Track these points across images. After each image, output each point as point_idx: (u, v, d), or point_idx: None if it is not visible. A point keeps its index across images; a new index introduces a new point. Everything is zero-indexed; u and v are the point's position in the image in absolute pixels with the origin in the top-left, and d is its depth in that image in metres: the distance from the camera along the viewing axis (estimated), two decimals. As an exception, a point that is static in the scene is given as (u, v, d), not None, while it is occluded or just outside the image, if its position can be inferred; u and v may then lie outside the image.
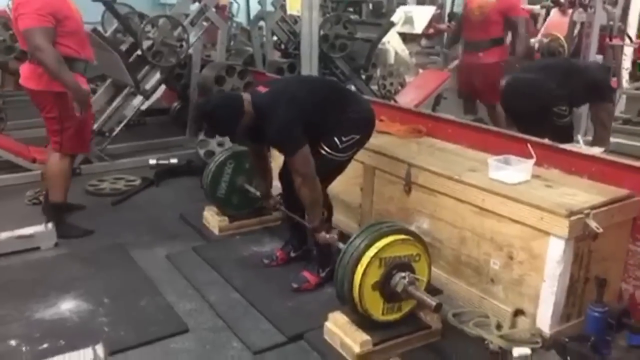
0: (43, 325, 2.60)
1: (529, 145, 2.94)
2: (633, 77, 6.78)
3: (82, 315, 2.70)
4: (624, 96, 6.15)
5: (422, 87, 5.80)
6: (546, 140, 3.06)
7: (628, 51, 6.13)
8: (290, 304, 2.79)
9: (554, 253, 2.39)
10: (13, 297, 2.84)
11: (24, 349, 2.43)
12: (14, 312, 2.70)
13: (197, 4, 5.19)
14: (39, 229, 3.41)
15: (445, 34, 8.26)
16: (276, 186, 3.22)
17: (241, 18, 9.32)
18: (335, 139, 2.75)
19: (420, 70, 6.88)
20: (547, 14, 7.48)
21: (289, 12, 7.15)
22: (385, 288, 2.34)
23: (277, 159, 3.05)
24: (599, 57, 5.11)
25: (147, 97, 5.12)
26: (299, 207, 2.85)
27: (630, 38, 6.00)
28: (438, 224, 2.93)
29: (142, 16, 5.70)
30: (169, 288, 2.98)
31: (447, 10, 10.52)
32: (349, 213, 3.53)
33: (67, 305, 2.77)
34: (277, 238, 3.48)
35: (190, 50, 5.15)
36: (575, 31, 5.87)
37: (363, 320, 2.39)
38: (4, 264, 3.22)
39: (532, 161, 2.79)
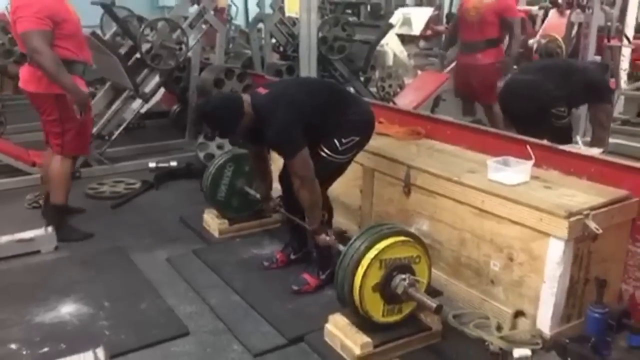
0: (43, 329, 2.61)
1: (527, 146, 2.95)
2: (631, 78, 6.78)
3: (83, 319, 2.70)
4: (623, 97, 6.16)
5: (421, 88, 5.80)
6: (545, 142, 3.06)
7: (626, 52, 6.13)
8: (291, 306, 2.80)
9: (554, 254, 2.39)
10: (13, 300, 2.84)
11: (24, 352, 2.43)
12: (14, 315, 2.70)
13: (195, 6, 5.20)
14: (39, 233, 3.41)
15: (443, 36, 8.28)
16: (276, 188, 3.22)
17: (240, 21, 9.34)
18: (335, 141, 2.75)
19: (419, 72, 6.89)
20: (545, 15, 7.49)
21: (287, 14, 7.17)
22: (385, 290, 2.34)
23: (277, 162, 3.05)
24: (597, 58, 5.12)
25: (146, 100, 5.13)
26: (298, 210, 2.85)
27: (628, 39, 6.01)
28: (438, 225, 2.93)
29: (140, 19, 5.72)
30: (170, 291, 2.98)
31: (445, 11, 10.55)
32: (349, 215, 3.53)
33: (68, 309, 2.77)
34: (277, 240, 3.48)
35: (189, 53, 5.16)
36: (573, 32, 5.88)
37: (363, 322, 2.39)
38: (4, 267, 3.22)
39: (531, 162, 2.79)
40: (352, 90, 5.55)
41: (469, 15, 5.02)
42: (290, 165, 2.70)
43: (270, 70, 5.89)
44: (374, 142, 3.10)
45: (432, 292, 2.67)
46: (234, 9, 8.87)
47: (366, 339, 2.34)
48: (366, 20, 8.77)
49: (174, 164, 4.87)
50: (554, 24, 6.92)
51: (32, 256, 3.34)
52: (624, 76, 6.11)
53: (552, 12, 7.23)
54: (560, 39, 6.27)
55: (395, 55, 6.66)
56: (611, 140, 4.66)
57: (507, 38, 5.18)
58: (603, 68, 4.83)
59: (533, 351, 2.36)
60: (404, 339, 2.43)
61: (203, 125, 5.06)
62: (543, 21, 7.46)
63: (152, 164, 4.84)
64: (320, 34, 5.40)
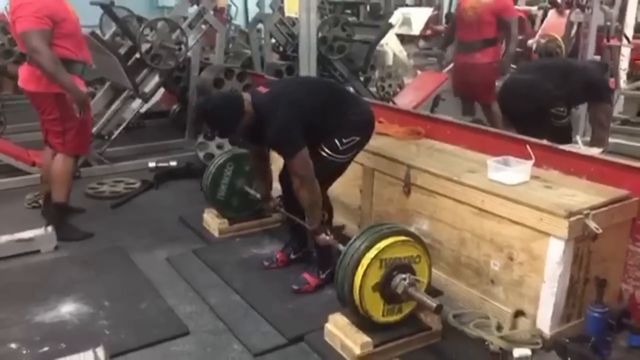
0: (43, 329, 2.60)
1: (527, 146, 2.95)
2: (631, 77, 6.79)
3: (83, 318, 2.69)
4: (622, 96, 6.16)
5: (421, 88, 5.81)
6: (545, 141, 3.06)
7: (625, 51, 6.14)
8: (291, 306, 2.80)
9: (554, 254, 2.40)
10: (13, 300, 2.83)
11: (24, 352, 2.43)
12: (14, 315, 2.70)
13: (195, 6, 5.20)
14: (39, 233, 3.41)
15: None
16: (276, 188, 3.22)
17: (239, 21, 9.34)
18: (336, 141, 2.75)
19: (419, 72, 6.89)
20: (545, 15, 7.50)
21: (287, 14, 7.18)
22: (385, 289, 2.34)
23: (277, 161, 3.05)
24: (597, 58, 5.13)
25: (146, 100, 5.13)
26: (298, 209, 2.85)
27: (627, 38, 6.02)
28: (438, 225, 2.94)
29: (140, 19, 5.72)
30: (169, 291, 2.98)
31: (445, 11, 10.56)
32: (349, 215, 3.53)
33: (68, 308, 2.77)
34: (277, 240, 3.48)
35: (189, 53, 5.16)
36: (573, 32, 5.90)
37: (363, 322, 2.39)
38: (4, 267, 3.22)
39: (531, 162, 2.79)
40: (351, 90, 5.55)
41: (466, 15, 5.03)
42: (289, 165, 2.70)
43: (269, 70, 5.89)
44: (374, 142, 3.10)
45: (432, 291, 2.67)
46: (233, 9, 8.88)
47: (366, 338, 2.34)
48: (366, 20, 8.79)
49: (173, 163, 4.87)
50: (554, 24, 6.94)
51: (32, 256, 3.34)
52: (623, 76, 6.11)
53: (552, 12, 7.25)
54: (559, 39, 6.29)
55: (394, 55, 6.67)
56: (611, 139, 4.67)
57: (504, 37, 5.20)
58: (602, 67, 4.84)
59: (533, 351, 2.36)
60: (404, 338, 2.43)
61: (203, 124, 5.04)
62: (542, 21, 7.47)
63: (151, 164, 4.84)
64: (319, 34, 5.41)
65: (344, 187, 3.36)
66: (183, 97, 5.80)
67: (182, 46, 4.88)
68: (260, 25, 6.65)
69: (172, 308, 2.80)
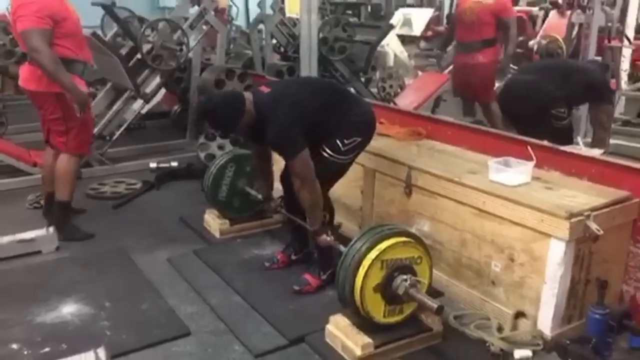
0: (45, 329, 2.61)
1: (528, 147, 2.95)
2: (632, 78, 6.78)
3: (84, 319, 2.70)
4: (623, 97, 6.16)
5: (422, 89, 5.81)
6: (546, 142, 3.06)
7: (626, 53, 6.14)
8: (292, 307, 2.80)
9: (555, 255, 2.40)
10: (15, 301, 2.84)
11: (25, 352, 2.44)
12: (15, 316, 2.70)
13: (196, 7, 5.20)
14: (40, 233, 3.41)
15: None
16: (277, 189, 3.22)
17: (240, 21, 9.34)
18: (338, 142, 2.75)
19: (420, 73, 6.90)
20: (546, 15, 7.50)
21: (288, 15, 7.18)
22: (386, 290, 2.35)
23: (278, 162, 3.05)
24: (598, 59, 5.12)
25: (147, 101, 5.13)
26: (300, 210, 2.85)
27: (628, 39, 6.01)
28: (439, 226, 2.94)
29: (141, 20, 5.72)
30: (170, 291, 2.98)
31: (446, 12, 10.56)
32: (350, 216, 3.53)
33: (69, 309, 2.77)
34: (278, 241, 3.48)
35: (190, 54, 5.16)
36: (574, 33, 5.89)
37: (364, 323, 2.39)
38: (5, 268, 3.22)
39: (532, 163, 2.79)
40: (352, 90, 5.55)
41: (465, 15, 5.03)
42: (290, 165, 2.70)
43: (271, 70, 5.89)
44: (375, 143, 3.10)
45: (433, 292, 2.67)
46: (234, 9, 8.87)
47: (367, 339, 2.35)
48: (367, 21, 8.79)
49: (174, 164, 4.88)
50: (555, 25, 6.94)
51: (34, 256, 3.35)
52: (624, 77, 6.11)
53: (553, 13, 7.24)
54: (560, 40, 6.28)
55: (395, 55, 6.68)
56: (612, 141, 4.67)
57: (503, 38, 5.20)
58: (603, 68, 4.84)
59: (534, 352, 2.37)
60: (405, 339, 2.43)
61: (204, 125, 5.08)
62: (543, 22, 7.47)
63: (153, 165, 4.85)
64: (320, 35, 5.41)
65: (345, 188, 3.36)
66: (184, 98, 5.80)
67: (184, 47, 4.88)
68: (261, 26, 6.65)
69: (173, 309, 2.80)
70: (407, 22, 8.44)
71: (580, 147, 3.46)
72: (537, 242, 2.46)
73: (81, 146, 3.65)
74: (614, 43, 5.56)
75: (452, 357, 2.44)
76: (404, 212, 3.13)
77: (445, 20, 10.08)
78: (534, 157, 2.85)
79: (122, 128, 5.18)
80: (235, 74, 5.08)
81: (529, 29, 7.46)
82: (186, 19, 5.11)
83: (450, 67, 5.69)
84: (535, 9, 8.05)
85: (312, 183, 2.66)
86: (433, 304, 2.27)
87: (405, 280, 2.33)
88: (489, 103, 4.93)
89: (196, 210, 3.85)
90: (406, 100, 5.57)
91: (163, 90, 5.70)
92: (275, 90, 2.79)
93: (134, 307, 2.80)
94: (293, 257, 3.19)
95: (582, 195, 2.55)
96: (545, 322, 2.48)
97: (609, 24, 5.46)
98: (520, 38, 6.91)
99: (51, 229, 3.46)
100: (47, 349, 2.45)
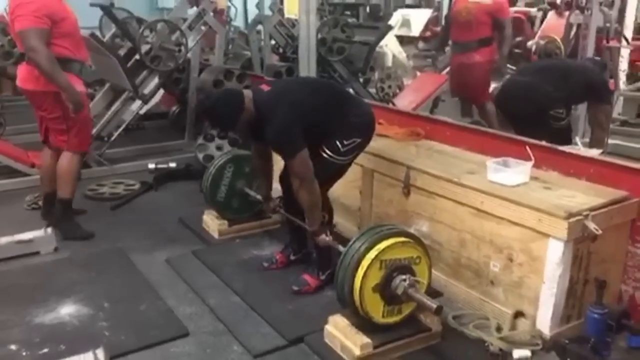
0: (43, 330, 2.60)
1: (527, 147, 2.95)
2: (630, 78, 6.79)
3: (83, 320, 2.69)
4: (621, 98, 6.16)
5: (420, 89, 5.82)
6: (544, 143, 3.07)
7: (625, 53, 6.14)
8: (291, 307, 2.80)
9: (554, 255, 2.40)
10: (13, 301, 2.83)
11: (24, 353, 2.43)
12: (14, 317, 2.70)
13: (195, 8, 5.20)
14: (39, 234, 3.41)
15: (440, 36, 8.30)
16: (276, 189, 3.22)
17: (239, 22, 9.34)
18: (337, 142, 2.75)
19: (418, 73, 6.90)
20: (544, 16, 7.50)
21: (286, 16, 7.18)
22: (385, 291, 2.35)
23: (278, 162, 3.05)
24: (596, 58, 5.13)
25: (145, 102, 5.13)
26: (299, 210, 2.85)
27: (626, 40, 6.02)
28: (437, 226, 2.94)
29: (140, 21, 5.72)
30: (169, 292, 2.97)
31: (444, 12, 10.56)
32: (348, 216, 3.53)
33: (67, 310, 2.77)
34: (276, 241, 3.48)
35: (189, 55, 5.16)
36: (572, 33, 5.90)
37: (363, 323, 2.39)
38: (3, 268, 3.22)
39: (531, 163, 2.80)
40: (351, 91, 5.56)
41: (460, 16, 5.04)
42: (289, 165, 2.70)
43: (269, 71, 5.89)
44: (374, 143, 3.10)
45: (432, 293, 2.67)
46: (233, 10, 8.88)
47: (366, 339, 2.35)
48: (365, 22, 8.81)
49: (173, 165, 4.88)
50: (553, 25, 6.94)
51: (32, 257, 3.34)
52: (622, 77, 6.12)
53: (551, 14, 7.25)
54: (559, 40, 6.29)
55: (394, 56, 6.68)
56: (610, 141, 4.67)
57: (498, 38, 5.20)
58: (601, 67, 4.84)
59: (533, 352, 2.37)
60: (404, 339, 2.43)
61: (202, 126, 5.08)
62: (542, 22, 7.47)
63: (151, 165, 4.85)
64: (319, 36, 5.41)
65: (344, 189, 3.36)
66: (183, 99, 5.80)
67: (182, 47, 4.87)
68: (259, 27, 6.65)
69: (171, 309, 2.80)
70: (405, 23, 8.45)
71: (579, 147, 3.46)
72: (535, 242, 2.46)
73: (82, 144, 3.65)
74: (613, 43, 5.57)
75: (451, 357, 2.44)
76: (403, 213, 3.13)
77: (443, 21, 10.08)
78: (533, 157, 2.85)
79: (121, 129, 5.19)
80: (233, 75, 5.07)
81: (527, 30, 7.46)
82: (185, 19, 5.11)
83: (448, 68, 5.70)
84: (533, 10, 8.06)
85: (311, 183, 2.65)
86: (432, 304, 2.27)
87: (404, 280, 2.33)
88: (485, 103, 4.94)
89: (195, 210, 3.85)
90: (405, 101, 5.57)
91: (161, 91, 5.71)
92: (275, 88, 2.79)
93: (133, 307, 2.80)
94: (292, 258, 3.19)
95: (581, 195, 2.56)
96: (544, 321, 2.48)
97: (607, 25, 5.48)
98: (519, 39, 6.93)
99: (49, 229, 3.45)
100: (45, 350, 2.45)
